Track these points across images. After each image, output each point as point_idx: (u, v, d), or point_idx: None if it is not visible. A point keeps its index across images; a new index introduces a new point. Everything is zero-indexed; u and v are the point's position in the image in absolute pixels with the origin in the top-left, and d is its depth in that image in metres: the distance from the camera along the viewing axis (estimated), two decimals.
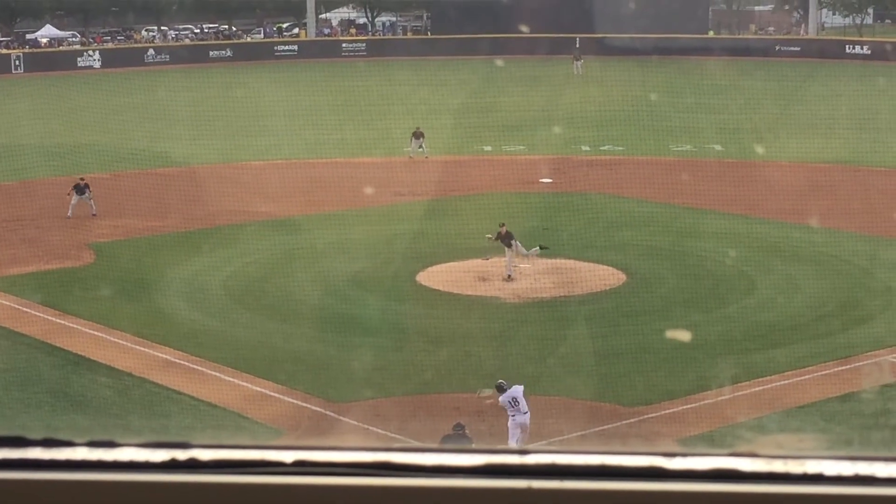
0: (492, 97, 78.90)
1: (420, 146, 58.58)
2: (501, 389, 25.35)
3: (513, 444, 24.54)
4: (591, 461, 2.34)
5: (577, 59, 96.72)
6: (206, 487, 2.33)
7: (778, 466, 2.32)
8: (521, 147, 61.98)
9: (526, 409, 24.98)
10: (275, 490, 2.32)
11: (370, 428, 26.46)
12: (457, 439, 23.47)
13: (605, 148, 61.19)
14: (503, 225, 39.08)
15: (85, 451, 2.39)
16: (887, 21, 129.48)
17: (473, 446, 22.78)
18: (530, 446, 22.27)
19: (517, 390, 25.13)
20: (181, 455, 2.37)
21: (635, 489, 2.30)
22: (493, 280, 37.99)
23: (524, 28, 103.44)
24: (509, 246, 38.42)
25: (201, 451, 2.38)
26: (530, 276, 38.33)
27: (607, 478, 2.31)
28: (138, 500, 2.33)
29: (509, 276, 37.99)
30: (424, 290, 37.35)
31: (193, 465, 2.36)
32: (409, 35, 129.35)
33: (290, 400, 28.49)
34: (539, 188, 52.29)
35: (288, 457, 2.36)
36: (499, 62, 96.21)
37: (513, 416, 24.99)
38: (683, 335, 31.54)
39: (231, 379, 29.64)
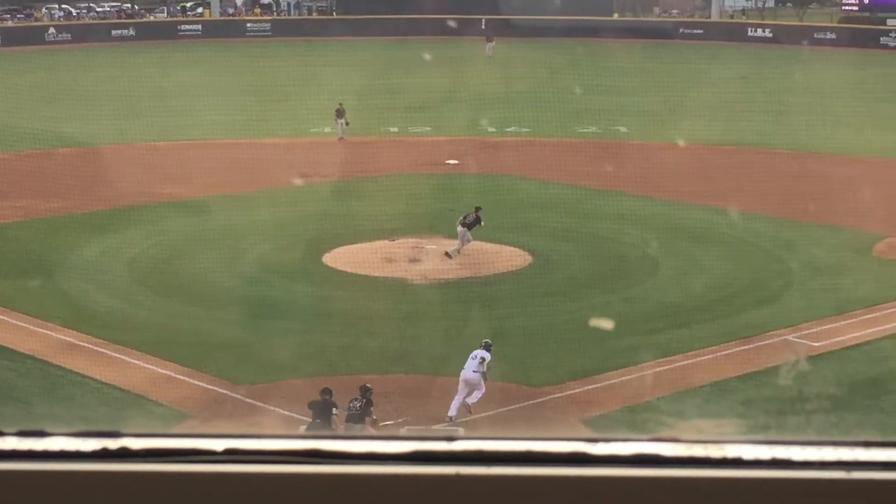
0: (398, 78, 78.83)
1: (347, 123, 58.27)
2: (487, 348, 27.14)
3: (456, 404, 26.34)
4: (517, 447, 2.38)
5: (490, 41, 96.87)
6: (138, 476, 2.34)
7: (698, 451, 2.38)
8: (428, 128, 62.02)
9: (475, 369, 26.55)
10: (206, 478, 2.34)
11: (276, 409, 26.40)
12: (322, 405, 24.44)
13: (511, 129, 61.39)
14: (479, 209, 39.48)
15: (14, 440, 2.39)
16: (788, 4, 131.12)
17: (335, 412, 24.04)
18: (459, 432, 22.46)
19: (486, 355, 26.87)
20: (112, 444, 2.38)
21: (560, 474, 2.35)
22: (399, 261, 38.01)
23: (432, 9, 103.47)
24: (470, 228, 38.79)
25: (132, 440, 2.39)
26: (437, 257, 38.40)
27: (533, 464, 2.35)
28: (70, 490, 2.34)
29: (448, 253, 38.33)
30: (331, 272, 37.30)
31: (125, 455, 2.37)
32: (315, 15, 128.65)
33: (196, 382, 28.33)
34: (445, 169, 52.37)
35: (219, 445, 2.38)
36: (407, 43, 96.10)
37: (469, 369, 26.70)
38: (606, 323, 31.74)
39: (136, 361, 29.40)
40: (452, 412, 26.29)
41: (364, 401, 24.76)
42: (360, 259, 38.01)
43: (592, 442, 2.40)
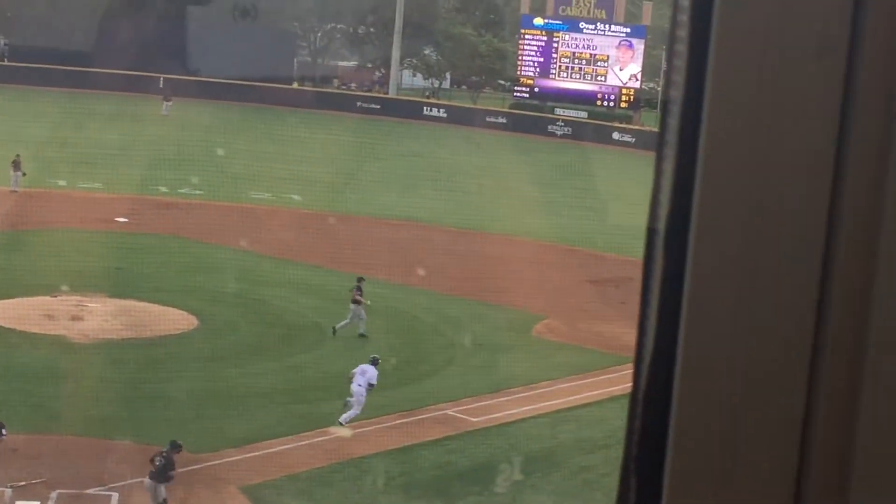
0: (70, 131, 76.79)
1: (23, 174, 56.34)
2: (374, 363, 30.84)
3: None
4: None
5: (167, 100, 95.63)
6: None
7: None
8: (98, 184, 60.59)
9: (362, 383, 30.30)
10: None
11: None
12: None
13: (184, 191, 60.68)
14: (360, 279, 39.32)
15: None
16: (463, 87, 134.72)
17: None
18: (112, 500, 21.79)
19: (371, 372, 30.52)
20: None
21: None
22: (59, 318, 36.87)
23: (111, 63, 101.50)
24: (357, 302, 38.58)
25: None
26: (99, 315, 37.46)
27: None
28: None
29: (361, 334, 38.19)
30: None
31: None
32: None
33: None
34: (114, 227, 51.23)
35: None
36: (82, 96, 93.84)
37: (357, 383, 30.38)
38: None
39: None
40: (342, 419, 29.87)
41: (165, 459, 24.42)
42: (18, 314, 36.68)
43: None
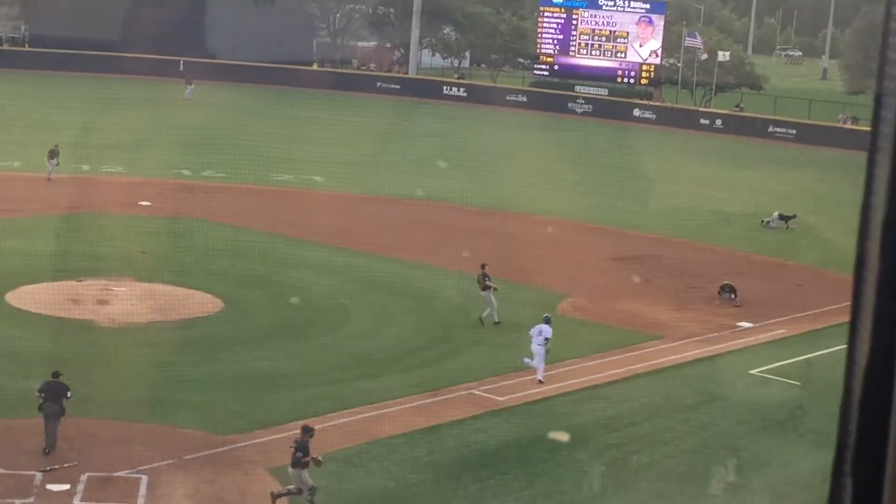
0: (92, 116, 77.03)
1: (57, 164, 56.45)
2: (547, 321, 33.34)
3: (528, 362, 33.13)
4: None
5: (189, 84, 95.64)
6: None
7: None
8: (121, 168, 60.79)
9: (541, 342, 32.77)
10: None
11: None
12: (54, 386, 26.16)
13: (206, 174, 60.87)
14: (484, 266, 38.86)
15: None
16: (482, 65, 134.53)
17: (69, 395, 25.82)
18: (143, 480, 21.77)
19: (547, 330, 32.93)
20: None
21: None
22: (86, 302, 37.06)
23: (133, 48, 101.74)
24: (485, 289, 38.43)
25: None
26: (126, 300, 37.64)
27: None
28: None
29: (493, 321, 38.20)
30: (13, 311, 36.07)
31: None
32: (6, 46, 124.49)
33: None
34: (138, 211, 51.41)
35: None
36: (105, 80, 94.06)
37: (536, 343, 33.01)
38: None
39: None
40: (540, 377, 32.72)
41: (297, 445, 24.69)
42: (45, 299, 36.87)
43: None
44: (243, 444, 27.38)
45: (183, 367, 32.26)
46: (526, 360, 33.37)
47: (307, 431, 25.05)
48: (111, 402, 28.63)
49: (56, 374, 26.65)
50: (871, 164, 2.15)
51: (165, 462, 25.83)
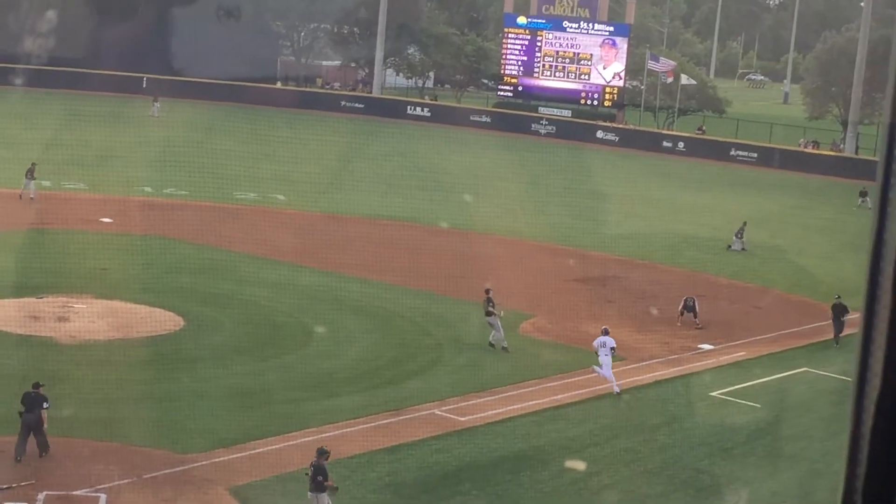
0: (56, 132, 76.57)
1: (33, 181, 55.94)
2: (605, 332, 35.38)
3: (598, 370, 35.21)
4: None
5: (155, 101, 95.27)
6: None
7: None
8: (83, 185, 60.50)
9: (607, 352, 34.98)
10: None
11: None
12: (33, 397, 26.89)
13: (169, 191, 60.65)
14: (488, 290, 38.69)
15: None
16: (447, 86, 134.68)
17: (46, 406, 26.32)
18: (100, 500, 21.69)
19: (610, 341, 35.14)
20: None
21: None
22: (46, 319, 36.83)
23: (98, 64, 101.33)
24: (489, 315, 38.28)
25: None
26: (86, 317, 37.42)
27: None
28: None
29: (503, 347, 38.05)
30: None
31: None
32: None
33: None
34: (99, 227, 51.15)
35: None
36: (71, 96, 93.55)
37: (602, 354, 35.11)
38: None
39: None
40: (616, 388, 34.79)
41: (314, 468, 24.53)
42: (4, 316, 36.66)
43: None
44: (203, 462, 27.26)
45: (143, 384, 32.12)
46: (595, 367, 35.22)
47: (322, 453, 24.84)
48: (70, 419, 28.43)
49: (36, 386, 27.30)
50: (885, 190, 2.15)
51: (125, 481, 25.68)
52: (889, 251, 2.14)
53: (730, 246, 58.36)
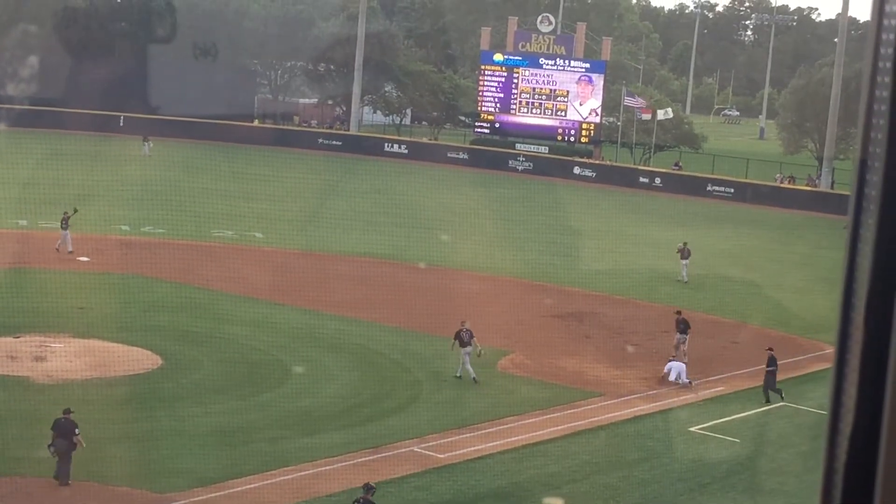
0: (32, 171, 76.33)
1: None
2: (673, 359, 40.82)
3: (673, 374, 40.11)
4: None
5: (146, 141, 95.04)
6: None
7: None
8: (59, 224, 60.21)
9: (677, 377, 39.82)
10: None
11: None
12: (64, 423, 27.81)
13: (146, 229, 60.56)
14: (463, 322, 38.64)
15: None
16: (424, 123, 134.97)
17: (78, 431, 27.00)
18: None
19: (679, 366, 40.26)
20: None
21: None
22: (22, 359, 36.68)
23: (74, 102, 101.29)
24: (464, 345, 38.20)
25: None
26: (63, 356, 37.28)
27: None
28: None
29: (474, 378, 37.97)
30: None
31: None
32: None
33: None
34: (76, 266, 51.01)
35: None
36: (47, 135, 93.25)
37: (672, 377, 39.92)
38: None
39: None
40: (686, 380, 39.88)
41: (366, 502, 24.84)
42: None
43: None
44: (181, 502, 27.14)
45: (120, 424, 31.98)
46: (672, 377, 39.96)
47: (369, 489, 25.09)
48: (47, 460, 28.27)
49: (67, 412, 28.04)
50: (857, 226, 2.20)
51: None
52: (860, 287, 2.18)
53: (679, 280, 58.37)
